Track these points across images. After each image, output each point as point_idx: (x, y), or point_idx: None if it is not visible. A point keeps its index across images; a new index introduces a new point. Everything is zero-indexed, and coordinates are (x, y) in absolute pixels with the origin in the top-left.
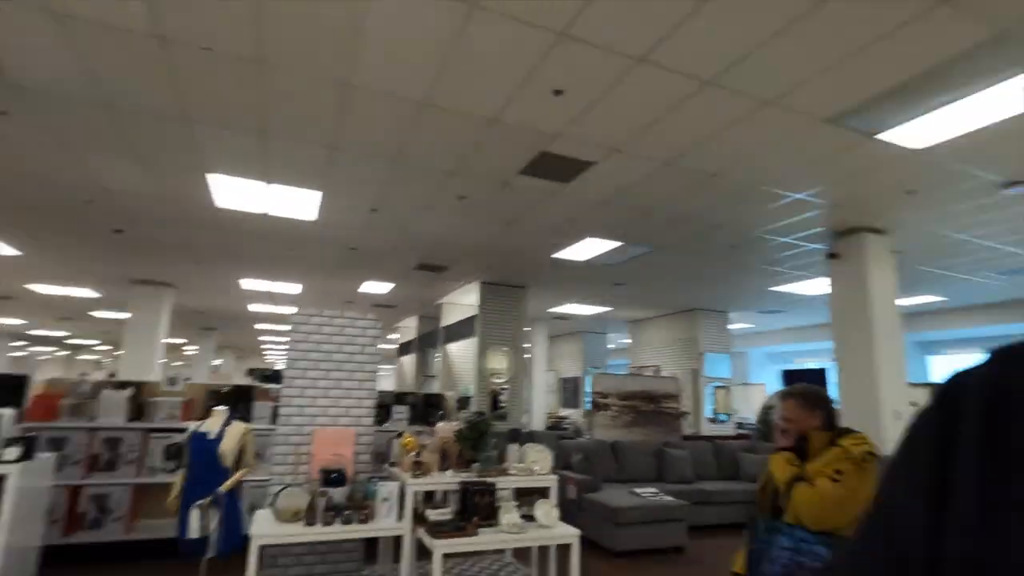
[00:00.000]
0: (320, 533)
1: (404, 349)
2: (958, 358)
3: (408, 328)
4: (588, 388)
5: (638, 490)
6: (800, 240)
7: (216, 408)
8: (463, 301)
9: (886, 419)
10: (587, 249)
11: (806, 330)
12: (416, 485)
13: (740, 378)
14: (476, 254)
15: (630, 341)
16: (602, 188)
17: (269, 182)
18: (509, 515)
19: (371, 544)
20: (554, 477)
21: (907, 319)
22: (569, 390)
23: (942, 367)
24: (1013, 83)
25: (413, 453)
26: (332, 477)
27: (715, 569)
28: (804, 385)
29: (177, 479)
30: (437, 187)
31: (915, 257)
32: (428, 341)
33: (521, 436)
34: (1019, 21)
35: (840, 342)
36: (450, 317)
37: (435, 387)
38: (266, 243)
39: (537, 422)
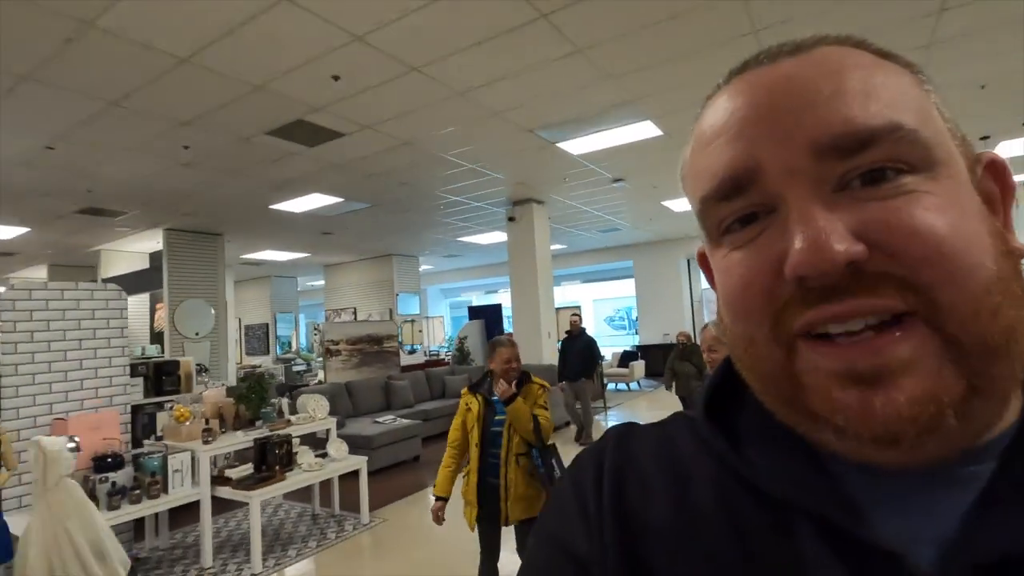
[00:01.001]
0: (109, 519)
1: None
2: (571, 286)
3: (29, 281)
4: (280, 333)
5: (379, 419)
6: (489, 204)
7: None
8: (132, 248)
9: (543, 338)
10: (309, 202)
11: (472, 270)
12: (211, 451)
13: (423, 313)
14: (175, 201)
15: (323, 283)
16: (344, 154)
17: None
18: (306, 457)
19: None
20: (334, 419)
21: None
22: (256, 337)
23: (562, 294)
24: (632, 127)
25: (188, 422)
26: (108, 462)
27: None
28: (506, 335)
29: None
30: (159, 134)
31: (555, 219)
32: None
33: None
34: (643, 94)
35: (515, 281)
36: (114, 268)
37: None
38: None
39: (229, 374)
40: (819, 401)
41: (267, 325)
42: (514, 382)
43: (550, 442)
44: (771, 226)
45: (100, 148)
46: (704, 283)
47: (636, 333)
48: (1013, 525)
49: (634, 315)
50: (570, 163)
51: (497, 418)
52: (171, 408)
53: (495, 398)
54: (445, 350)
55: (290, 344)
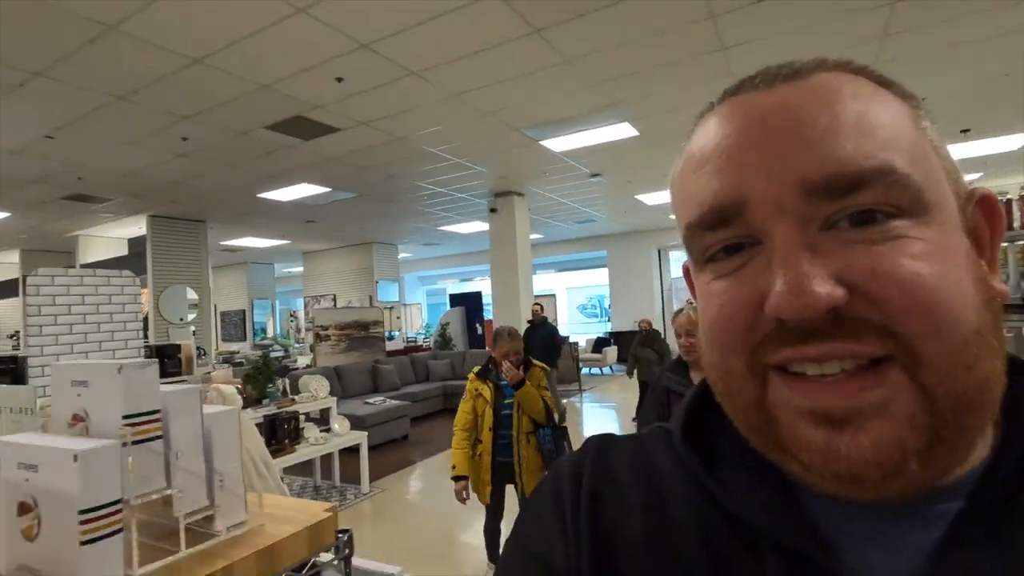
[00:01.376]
0: None
1: None
2: (546, 275)
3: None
4: (256, 319)
5: (369, 400)
6: (471, 196)
7: None
8: (111, 234)
9: (523, 325)
10: (296, 192)
11: (449, 258)
12: None
13: (401, 300)
14: (165, 189)
15: (301, 270)
16: (337, 148)
17: None
18: (312, 432)
19: None
20: (334, 398)
21: None
22: (233, 323)
23: (537, 281)
24: (611, 128)
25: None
26: None
27: (430, 444)
28: (508, 326)
29: None
30: (160, 127)
31: (534, 210)
32: None
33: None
34: (623, 99)
35: (496, 270)
36: (92, 253)
37: None
38: None
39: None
40: (787, 436)
41: (244, 311)
42: (521, 367)
43: (563, 424)
44: (756, 257)
45: (99, 138)
46: (675, 272)
47: (608, 320)
48: (975, 566)
49: (606, 303)
50: (551, 159)
51: (506, 401)
52: None
53: (503, 382)
54: (423, 336)
55: (265, 330)
